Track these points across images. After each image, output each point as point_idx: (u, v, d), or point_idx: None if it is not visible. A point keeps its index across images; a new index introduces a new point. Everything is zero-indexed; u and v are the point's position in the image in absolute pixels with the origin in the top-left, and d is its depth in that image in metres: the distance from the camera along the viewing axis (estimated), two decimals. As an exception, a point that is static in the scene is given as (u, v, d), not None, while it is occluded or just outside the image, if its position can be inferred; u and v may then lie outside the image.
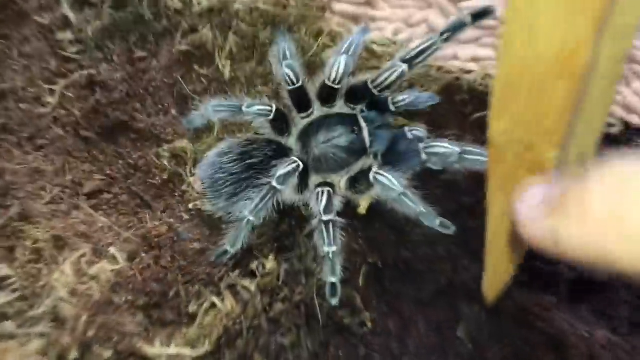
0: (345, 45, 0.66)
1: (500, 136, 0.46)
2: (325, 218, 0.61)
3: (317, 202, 0.62)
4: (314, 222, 0.62)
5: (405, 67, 0.63)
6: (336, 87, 0.66)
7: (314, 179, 0.66)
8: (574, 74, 0.39)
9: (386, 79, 0.63)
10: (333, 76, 0.65)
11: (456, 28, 0.62)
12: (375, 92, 0.65)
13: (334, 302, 0.61)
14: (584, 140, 0.53)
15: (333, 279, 0.60)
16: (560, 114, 0.42)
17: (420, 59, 0.63)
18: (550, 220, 0.41)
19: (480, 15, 0.62)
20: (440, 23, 0.90)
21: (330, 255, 0.60)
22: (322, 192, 0.62)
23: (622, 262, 0.37)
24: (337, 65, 0.65)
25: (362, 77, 0.68)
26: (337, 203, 0.63)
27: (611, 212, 0.37)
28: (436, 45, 0.62)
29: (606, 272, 0.39)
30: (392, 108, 0.68)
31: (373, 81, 0.65)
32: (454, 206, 0.67)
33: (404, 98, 0.66)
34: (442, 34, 0.62)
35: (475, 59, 0.78)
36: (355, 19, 0.91)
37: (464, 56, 0.79)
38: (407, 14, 0.90)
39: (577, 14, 0.37)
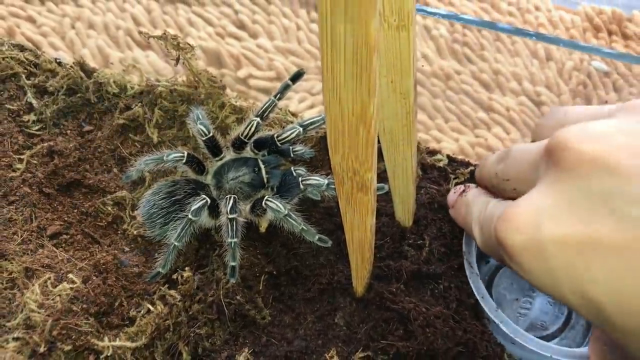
0: (260, 111, 0.82)
1: (338, 167, 0.57)
2: (230, 216, 0.73)
3: (225, 205, 0.74)
4: (222, 219, 0.74)
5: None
6: (246, 141, 0.82)
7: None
8: (366, 122, 0.51)
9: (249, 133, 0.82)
10: (245, 133, 0.81)
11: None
12: (278, 143, 0.81)
13: (233, 280, 0.73)
14: (405, 164, 0.72)
15: (233, 263, 0.73)
16: (365, 147, 0.53)
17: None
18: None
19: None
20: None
21: (232, 245, 0.72)
22: (229, 199, 0.74)
23: None
24: (250, 125, 0.81)
25: (267, 132, 0.84)
26: (242, 220, 0.75)
27: None
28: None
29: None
30: (292, 155, 0.83)
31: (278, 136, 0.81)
32: (331, 226, 0.81)
33: (301, 149, 0.84)
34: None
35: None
36: (266, 91, 1.05)
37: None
38: (310, 85, 1.08)
39: (359, 86, 0.48)
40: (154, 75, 0.95)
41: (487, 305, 0.73)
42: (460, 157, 0.91)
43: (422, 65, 1.10)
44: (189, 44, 0.83)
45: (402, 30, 0.59)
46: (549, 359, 0.70)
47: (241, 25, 1.14)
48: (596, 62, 1.08)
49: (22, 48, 0.96)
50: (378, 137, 0.68)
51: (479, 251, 0.77)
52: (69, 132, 0.90)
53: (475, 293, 0.74)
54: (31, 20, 1.09)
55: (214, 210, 0.78)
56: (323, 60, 0.47)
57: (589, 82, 1.07)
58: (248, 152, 0.84)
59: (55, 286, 0.76)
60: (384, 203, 0.82)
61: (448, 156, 0.89)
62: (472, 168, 0.88)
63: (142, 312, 0.75)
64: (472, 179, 0.87)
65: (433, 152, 0.89)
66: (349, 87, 0.48)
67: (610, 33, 1.15)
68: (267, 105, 0.82)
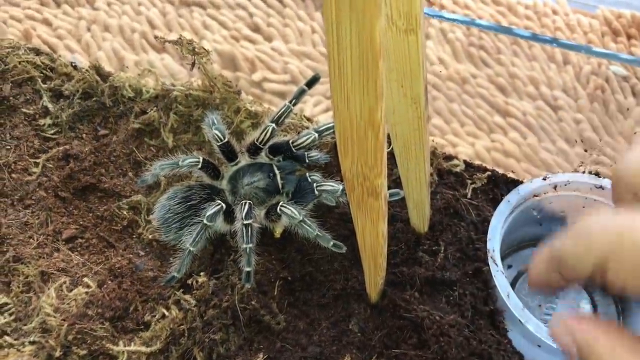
0: (275, 117, 0.81)
1: (348, 172, 0.56)
2: (245, 222, 0.73)
3: (240, 211, 0.74)
4: (237, 224, 0.74)
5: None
6: (261, 146, 0.82)
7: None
8: (374, 126, 0.50)
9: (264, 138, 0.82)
10: (261, 138, 0.81)
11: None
12: (293, 149, 0.81)
13: (248, 286, 0.73)
14: (418, 169, 0.71)
15: (248, 269, 0.72)
16: (374, 152, 0.52)
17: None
18: None
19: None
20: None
21: (247, 250, 0.72)
22: (244, 204, 0.74)
23: None
24: (265, 131, 0.81)
25: (282, 138, 0.83)
26: (257, 225, 0.74)
27: None
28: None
29: None
30: (307, 161, 0.82)
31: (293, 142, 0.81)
32: (346, 231, 0.80)
33: (316, 154, 0.83)
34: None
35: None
36: (281, 94, 1.05)
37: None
38: (325, 88, 1.05)
39: (367, 91, 0.47)
40: (169, 79, 0.95)
41: (513, 303, 0.71)
42: (476, 162, 0.91)
43: (440, 71, 1.09)
44: (204, 49, 0.83)
45: (410, 34, 0.57)
46: None
47: (256, 29, 1.14)
48: (615, 66, 1.07)
49: (38, 52, 0.97)
50: (390, 142, 0.68)
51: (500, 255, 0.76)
52: (84, 136, 0.91)
53: (500, 291, 0.72)
54: (47, 23, 1.09)
55: (229, 215, 0.78)
56: (330, 63, 0.46)
57: (607, 87, 1.06)
58: (263, 158, 0.84)
59: (71, 290, 0.77)
60: (399, 209, 0.82)
61: (465, 161, 0.88)
62: (488, 173, 0.88)
63: (157, 316, 0.75)
64: (488, 183, 0.87)
65: (449, 158, 0.89)
66: (356, 90, 0.48)
67: (629, 37, 1.14)
68: (282, 110, 0.82)
